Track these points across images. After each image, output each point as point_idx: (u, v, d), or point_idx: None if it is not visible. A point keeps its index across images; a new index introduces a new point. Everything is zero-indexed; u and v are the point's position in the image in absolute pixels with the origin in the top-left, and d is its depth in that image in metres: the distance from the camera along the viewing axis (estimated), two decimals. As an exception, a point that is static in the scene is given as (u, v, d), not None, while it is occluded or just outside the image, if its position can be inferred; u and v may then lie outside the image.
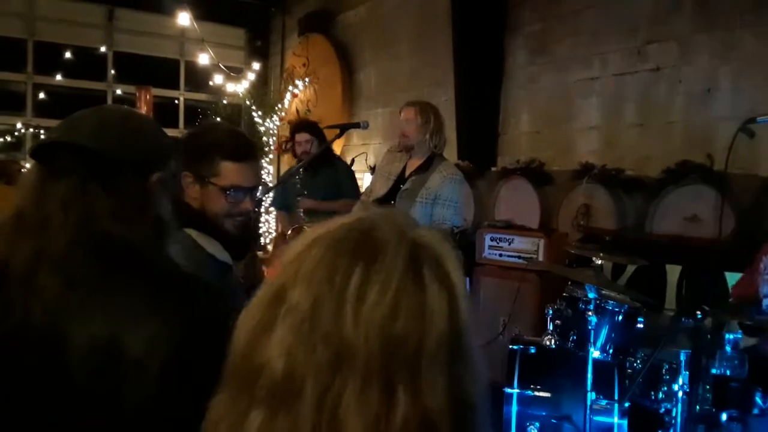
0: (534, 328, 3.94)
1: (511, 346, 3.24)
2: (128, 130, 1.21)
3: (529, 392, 3.10)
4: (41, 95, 7.94)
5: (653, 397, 2.76)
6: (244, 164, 1.77)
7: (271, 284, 0.70)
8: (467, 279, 4.46)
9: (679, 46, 4.12)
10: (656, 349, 2.55)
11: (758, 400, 2.44)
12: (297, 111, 7.75)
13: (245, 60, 8.60)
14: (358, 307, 0.65)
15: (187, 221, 1.69)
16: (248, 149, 1.84)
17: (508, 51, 5.30)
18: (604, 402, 2.92)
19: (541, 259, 4.15)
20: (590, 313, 2.89)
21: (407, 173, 3.55)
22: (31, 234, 1.11)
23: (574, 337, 3.02)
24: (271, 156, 7.98)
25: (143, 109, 7.54)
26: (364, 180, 5.78)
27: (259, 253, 5.86)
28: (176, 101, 8.64)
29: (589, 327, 2.88)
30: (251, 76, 7.83)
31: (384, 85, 6.79)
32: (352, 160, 5.95)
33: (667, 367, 2.72)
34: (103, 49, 8.06)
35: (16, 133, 7.45)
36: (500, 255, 4.38)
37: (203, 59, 7.25)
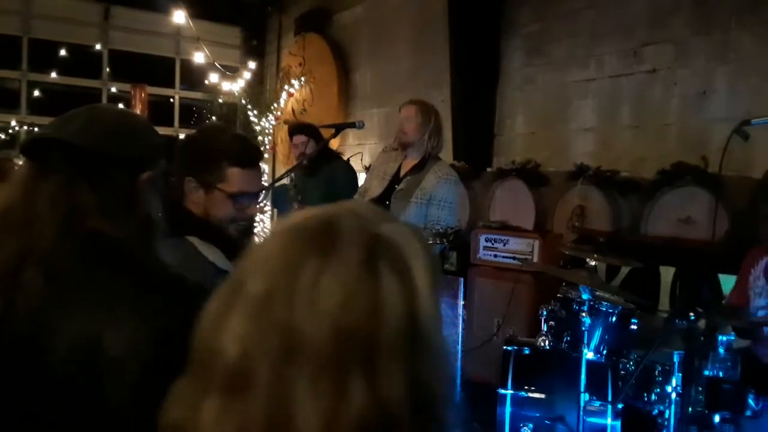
0: (528, 329, 3.95)
1: (505, 347, 3.24)
2: (118, 128, 1.21)
3: (523, 393, 3.10)
4: (36, 93, 7.91)
5: (646, 399, 2.77)
6: (251, 170, 1.78)
7: (234, 272, 0.71)
8: (461, 279, 4.47)
9: (674, 48, 4.12)
10: (649, 351, 2.55)
11: (751, 401, 2.44)
12: (293, 110, 7.74)
13: (241, 59, 8.59)
14: (310, 297, 0.65)
15: (189, 228, 1.69)
16: (255, 155, 1.84)
17: (505, 52, 5.30)
18: (597, 403, 2.92)
19: (535, 260, 4.15)
20: (584, 314, 2.89)
21: (402, 173, 3.55)
22: (17, 230, 1.11)
23: (568, 338, 3.02)
24: (266, 155, 7.97)
25: (138, 108, 7.53)
26: (360, 179, 5.78)
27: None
28: (171, 100, 8.62)
29: (583, 328, 2.88)
30: (247, 75, 7.82)
31: (380, 85, 6.79)
32: (348, 160, 5.94)
33: (660, 368, 2.73)
34: (98, 46, 8.04)
35: (10, 131, 7.42)
36: (495, 256, 4.38)
37: (199, 58, 7.23)
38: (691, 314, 2.25)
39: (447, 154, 4.71)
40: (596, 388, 2.91)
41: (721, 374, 2.54)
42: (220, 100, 8.00)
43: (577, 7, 4.73)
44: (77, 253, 1.11)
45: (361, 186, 3.83)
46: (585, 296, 2.93)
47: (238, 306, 0.67)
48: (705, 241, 3.57)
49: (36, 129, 6.98)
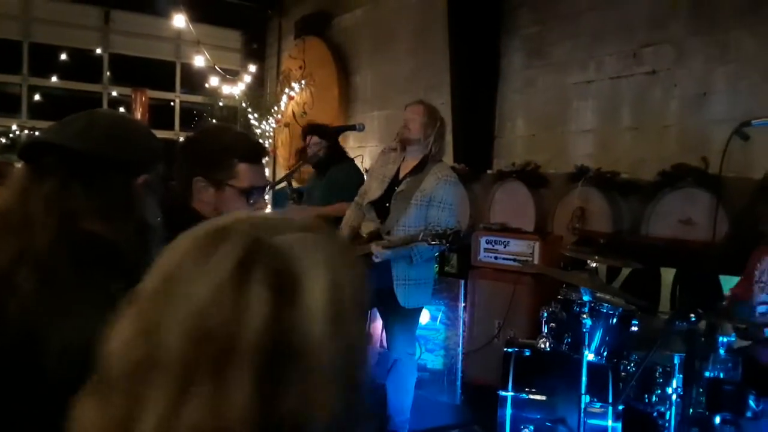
0: (529, 330, 3.95)
1: (505, 349, 3.24)
2: (114, 133, 1.22)
3: (524, 395, 3.10)
4: (36, 97, 7.93)
5: (647, 400, 2.77)
6: (259, 165, 1.81)
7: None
8: (462, 282, 4.47)
9: (674, 50, 4.13)
10: (650, 352, 2.55)
11: (751, 403, 2.44)
12: (293, 113, 7.75)
13: (241, 62, 8.60)
14: (179, 301, 0.64)
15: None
16: (261, 149, 1.89)
17: (504, 54, 5.31)
18: (598, 405, 2.92)
19: (536, 261, 4.15)
20: (585, 315, 2.89)
21: (401, 175, 3.55)
22: (14, 233, 1.12)
23: (569, 340, 3.02)
24: (267, 158, 7.97)
25: (139, 111, 7.55)
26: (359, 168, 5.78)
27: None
28: (172, 103, 8.64)
29: (584, 330, 2.88)
30: (247, 78, 7.82)
31: (380, 88, 6.79)
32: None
33: (661, 370, 2.73)
34: (98, 50, 8.05)
35: (11, 135, 7.44)
36: (495, 258, 4.38)
37: (199, 61, 7.24)
38: (692, 315, 2.24)
39: (447, 156, 4.71)
40: (597, 390, 2.91)
41: (721, 375, 2.54)
42: (221, 104, 8.02)
43: (577, 8, 4.73)
44: (71, 256, 1.11)
45: (361, 188, 3.83)
46: (586, 298, 2.93)
47: (128, 308, 0.68)
48: (705, 242, 3.57)
49: (37, 133, 6.97)
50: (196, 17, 6.90)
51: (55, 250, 1.10)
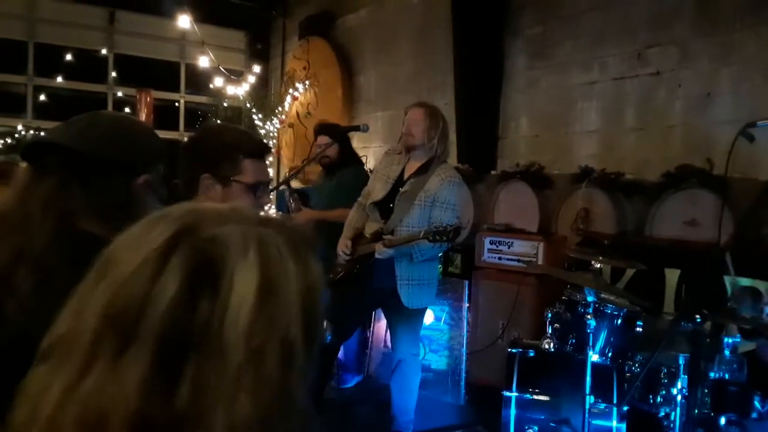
0: (533, 331, 3.95)
1: (510, 350, 3.24)
2: (114, 133, 1.23)
3: (528, 396, 3.10)
4: (42, 97, 7.94)
5: (652, 401, 2.77)
6: (263, 161, 1.83)
7: None
8: (466, 282, 4.47)
9: (678, 50, 4.12)
10: (655, 353, 2.55)
11: (757, 404, 2.44)
12: (297, 114, 7.76)
13: (246, 63, 8.60)
14: (106, 280, 0.66)
15: None
16: (264, 146, 1.91)
17: (508, 54, 5.31)
18: (602, 405, 2.92)
19: (540, 262, 4.15)
20: (589, 316, 2.89)
21: (406, 175, 3.55)
22: (13, 233, 1.13)
23: (573, 341, 3.02)
24: (270, 159, 7.98)
25: (144, 112, 7.56)
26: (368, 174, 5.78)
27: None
28: (177, 104, 8.64)
29: (588, 330, 2.88)
30: (252, 78, 7.83)
31: (384, 89, 6.80)
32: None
33: (665, 370, 2.73)
34: (103, 51, 8.06)
35: (16, 135, 7.44)
36: (499, 258, 4.38)
37: (204, 62, 7.25)
38: (697, 316, 2.24)
39: (451, 156, 4.71)
40: (601, 391, 2.91)
41: (727, 376, 2.54)
42: (225, 104, 8.01)
43: (580, 9, 4.73)
44: (69, 256, 1.11)
45: (365, 189, 3.83)
46: (590, 298, 2.93)
47: (81, 284, 0.69)
48: (710, 243, 3.56)
49: (42, 133, 6.99)
50: (200, 18, 6.91)
51: (52, 250, 1.11)
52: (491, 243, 4.43)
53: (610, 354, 2.96)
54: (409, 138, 3.50)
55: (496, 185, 5.00)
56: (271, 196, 5.39)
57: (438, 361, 4.56)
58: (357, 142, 6.76)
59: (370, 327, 4.88)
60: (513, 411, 3.09)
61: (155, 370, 0.61)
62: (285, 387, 0.66)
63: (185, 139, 7.45)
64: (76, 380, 0.62)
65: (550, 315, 3.16)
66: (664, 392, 2.73)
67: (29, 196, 1.15)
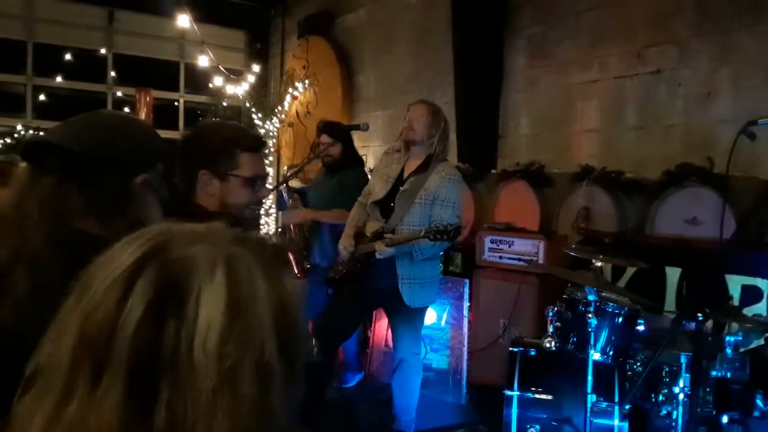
0: (534, 330, 3.95)
1: (511, 349, 3.24)
2: (112, 133, 1.23)
3: (530, 395, 3.10)
4: (41, 97, 7.93)
5: (654, 400, 2.77)
6: (259, 154, 1.85)
7: None
8: (467, 281, 4.47)
9: (678, 49, 4.12)
10: (657, 352, 2.55)
11: (759, 402, 2.44)
12: (297, 113, 7.76)
13: (245, 62, 8.60)
14: (81, 297, 0.66)
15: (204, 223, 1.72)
16: (260, 140, 1.93)
17: (508, 53, 5.30)
18: (604, 404, 2.92)
19: (541, 261, 4.15)
20: (590, 315, 2.89)
21: (406, 174, 3.55)
22: (10, 233, 1.13)
23: (575, 340, 3.02)
24: (271, 158, 7.98)
25: (143, 111, 7.55)
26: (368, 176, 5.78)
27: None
28: (176, 103, 8.64)
29: (590, 329, 2.88)
30: (251, 78, 7.82)
31: (384, 88, 6.79)
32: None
33: (667, 369, 2.73)
34: (103, 51, 8.06)
35: (16, 135, 7.43)
36: (500, 257, 4.38)
37: (203, 61, 7.24)
38: (699, 315, 2.24)
39: (451, 155, 4.70)
40: (603, 389, 2.91)
41: (729, 375, 2.54)
42: (225, 104, 8.01)
43: (580, 8, 4.72)
44: (64, 256, 1.11)
45: (365, 188, 3.83)
46: (591, 297, 2.93)
47: (62, 309, 0.69)
48: (711, 241, 3.56)
49: (41, 133, 6.98)
50: (199, 17, 6.90)
51: (49, 250, 1.11)
52: (492, 242, 4.43)
53: (611, 353, 2.96)
54: (410, 132, 3.50)
55: (496, 184, 5.00)
56: (270, 195, 5.40)
57: (439, 361, 4.56)
58: (357, 141, 6.74)
59: (370, 326, 4.88)
60: (514, 410, 3.09)
61: (130, 396, 0.61)
62: (264, 406, 0.66)
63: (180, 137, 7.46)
64: (58, 410, 0.62)
65: (551, 314, 3.16)
66: (665, 391, 2.73)
67: (27, 196, 1.16)
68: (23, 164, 1.22)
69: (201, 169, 1.76)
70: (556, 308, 3.16)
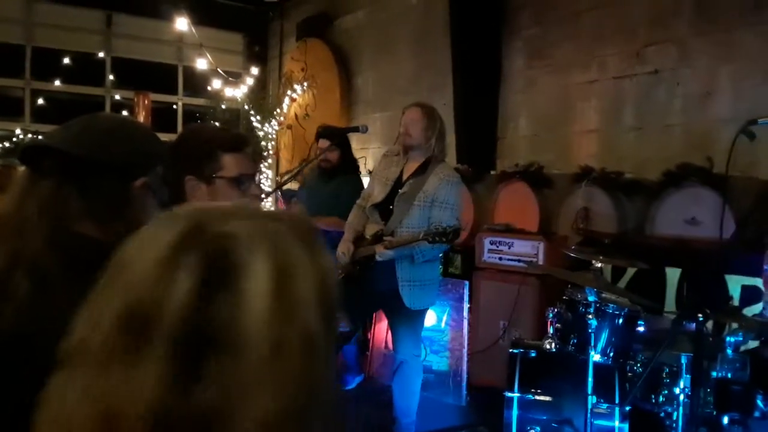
0: (534, 331, 3.94)
1: (511, 350, 3.24)
2: (110, 136, 1.22)
3: (530, 396, 3.09)
4: (40, 101, 7.93)
5: (654, 401, 2.76)
6: (244, 153, 1.83)
7: None
8: (466, 283, 4.47)
9: (677, 49, 4.12)
10: (657, 353, 2.54)
11: (759, 402, 2.43)
12: (295, 115, 7.75)
13: (243, 65, 8.60)
14: (117, 284, 0.66)
15: None
16: (243, 138, 1.91)
17: (507, 54, 5.30)
18: (604, 405, 2.92)
19: (540, 262, 4.15)
20: (590, 316, 2.88)
21: (404, 177, 3.54)
22: (9, 237, 1.12)
23: (575, 341, 3.01)
24: (270, 161, 7.98)
25: (141, 115, 7.54)
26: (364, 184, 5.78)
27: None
28: (174, 106, 8.64)
29: (590, 330, 2.87)
30: (249, 80, 7.83)
31: (382, 90, 6.79)
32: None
33: (668, 370, 2.72)
34: (101, 54, 8.06)
35: (14, 139, 7.43)
36: (500, 259, 4.38)
37: (201, 64, 7.25)
38: (699, 315, 2.23)
39: (450, 157, 4.71)
40: (603, 391, 2.90)
41: (729, 375, 2.53)
42: (223, 106, 8.02)
43: (578, 9, 4.72)
44: (63, 259, 1.11)
45: (364, 191, 3.83)
46: (591, 298, 2.92)
47: (96, 288, 0.68)
48: (711, 241, 3.56)
49: (40, 137, 6.97)
50: (197, 20, 6.91)
51: (48, 254, 1.10)
52: (491, 243, 4.43)
53: (611, 354, 2.95)
54: (407, 138, 3.50)
55: (495, 185, 4.99)
56: (269, 198, 5.40)
57: (439, 362, 4.56)
58: (356, 143, 6.76)
59: (370, 328, 4.87)
60: (515, 412, 3.08)
61: (173, 369, 0.61)
62: (311, 378, 0.66)
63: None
64: (94, 381, 0.62)
65: (551, 315, 3.16)
66: (666, 392, 2.72)
67: (26, 200, 1.15)
68: (22, 168, 1.22)
69: (186, 175, 1.75)
70: (556, 309, 3.16)
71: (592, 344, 2.87)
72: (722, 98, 3.89)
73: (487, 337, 4.34)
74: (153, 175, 1.28)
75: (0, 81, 7.68)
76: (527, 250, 4.25)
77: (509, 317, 4.18)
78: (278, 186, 4.56)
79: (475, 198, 5.09)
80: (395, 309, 3.52)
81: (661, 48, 4.20)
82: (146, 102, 7.70)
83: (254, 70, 7.99)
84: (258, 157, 7.23)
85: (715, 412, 2.51)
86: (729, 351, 2.55)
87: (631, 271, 3.86)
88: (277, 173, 8.28)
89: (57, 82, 7.87)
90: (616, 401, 2.90)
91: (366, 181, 4.45)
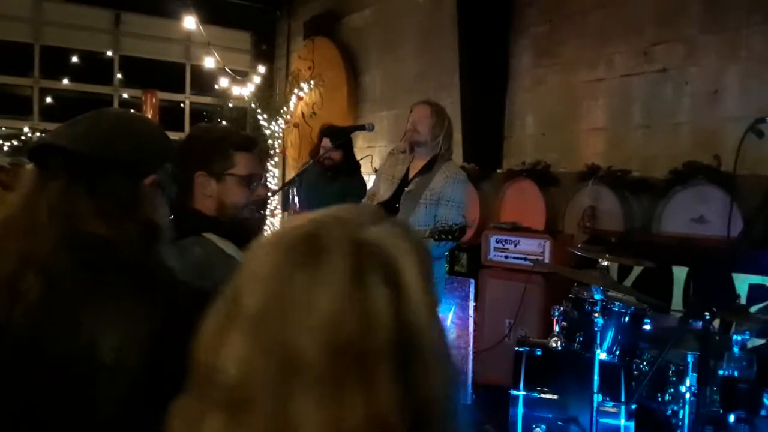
0: (540, 330, 3.94)
1: (517, 348, 3.23)
2: (118, 133, 1.21)
3: (536, 394, 3.09)
4: (48, 99, 7.97)
5: (660, 399, 2.75)
6: (253, 153, 1.85)
7: (229, 287, 0.70)
8: (472, 281, 4.46)
9: (685, 47, 4.10)
10: (664, 351, 2.53)
11: (766, 401, 2.42)
12: (302, 114, 7.76)
13: (251, 63, 8.62)
14: (302, 313, 0.65)
15: (202, 226, 1.75)
16: (253, 139, 1.93)
17: (514, 53, 5.30)
18: (610, 404, 2.91)
19: (547, 260, 4.14)
20: (596, 314, 2.88)
21: (411, 175, 3.54)
22: (19, 237, 1.12)
23: (581, 339, 3.00)
24: (276, 159, 7.99)
25: (149, 113, 7.57)
26: (369, 182, 5.78)
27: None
28: (182, 105, 8.66)
29: (596, 328, 2.87)
30: (257, 79, 7.84)
31: (389, 88, 6.79)
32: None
33: (674, 368, 2.72)
34: (109, 53, 8.09)
35: (23, 138, 7.48)
36: (506, 257, 4.37)
37: (209, 63, 7.26)
38: (706, 314, 2.22)
39: (457, 155, 4.70)
40: (609, 389, 2.89)
41: (736, 374, 2.52)
42: (230, 105, 8.04)
43: (586, 7, 4.71)
44: (75, 259, 1.11)
45: (370, 189, 3.83)
46: (597, 296, 2.92)
47: (234, 323, 0.67)
48: (718, 240, 3.55)
49: (46, 134, 7.00)
50: (205, 19, 6.92)
51: (58, 254, 1.10)
52: (497, 241, 4.42)
53: (617, 352, 2.94)
54: (414, 134, 3.50)
55: (502, 184, 4.99)
56: (276, 196, 5.41)
57: (445, 361, 4.55)
58: (362, 141, 6.79)
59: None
60: (520, 410, 3.08)
61: (398, 379, 0.64)
62: (451, 365, 0.71)
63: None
64: (333, 413, 0.63)
65: (557, 313, 3.15)
66: (672, 390, 2.72)
67: (35, 200, 1.14)
68: (30, 166, 1.21)
69: (197, 171, 1.76)
70: (562, 308, 3.15)
71: (598, 342, 2.86)
72: (730, 96, 3.88)
73: (492, 335, 4.33)
74: (162, 172, 1.27)
75: (8, 79, 7.73)
76: (533, 248, 4.24)
77: (515, 315, 4.18)
78: (285, 184, 4.55)
79: (481, 196, 5.08)
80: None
81: (669, 46, 4.19)
82: (154, 100, 7.73)
83: (261, 69, 8.00)
84: (264, 155, 7.24)
85: (721, 411, 2.51)
86: (735, 349, 2.55)
87: (637, 270, 3.85)
88: (283, 171, 8.30)
89: (65, 81, 7.92)
90: (622, 399, 2.90)
91: (369, 180, 4.46)
